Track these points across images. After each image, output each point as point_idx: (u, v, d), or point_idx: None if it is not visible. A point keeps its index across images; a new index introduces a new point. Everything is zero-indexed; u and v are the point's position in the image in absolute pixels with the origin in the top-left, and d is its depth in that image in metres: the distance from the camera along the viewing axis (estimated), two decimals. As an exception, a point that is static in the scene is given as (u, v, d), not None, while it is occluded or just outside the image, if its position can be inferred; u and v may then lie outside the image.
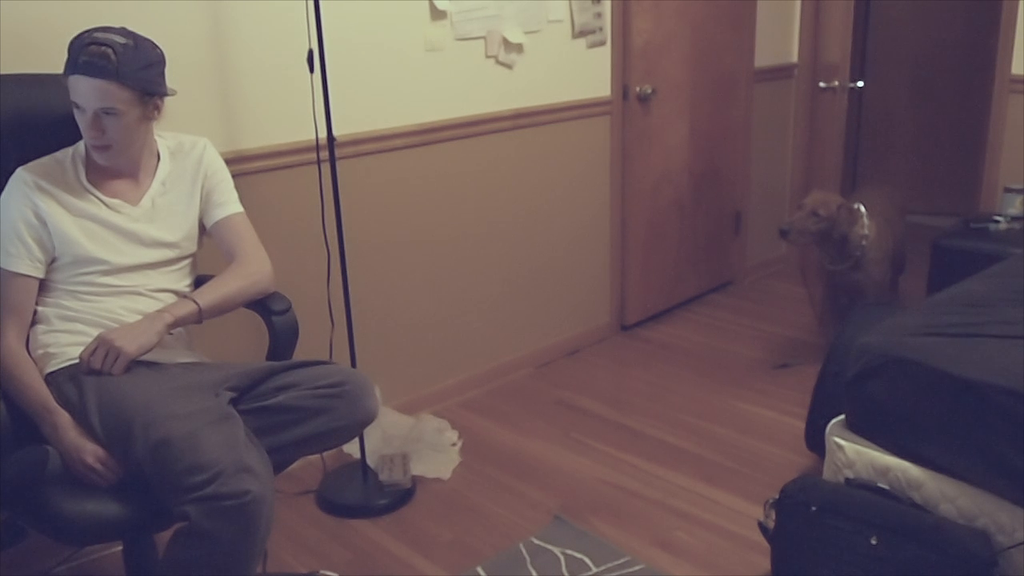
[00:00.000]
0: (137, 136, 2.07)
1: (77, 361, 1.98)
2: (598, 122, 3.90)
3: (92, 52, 1.92)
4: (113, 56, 1.93)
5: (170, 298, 2.13)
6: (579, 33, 3.70)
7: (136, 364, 1.98)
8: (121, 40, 1.96)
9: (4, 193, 2.04)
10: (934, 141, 5.68)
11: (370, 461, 2.98)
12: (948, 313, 2.41)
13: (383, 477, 2.92)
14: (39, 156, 2.09)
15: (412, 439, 3.10)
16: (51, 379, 1.98)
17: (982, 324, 2.31)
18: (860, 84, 4.31)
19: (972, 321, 2.33)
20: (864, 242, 3.55)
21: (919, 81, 5.62)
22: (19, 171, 2.05)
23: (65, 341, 2.03)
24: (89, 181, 2.09)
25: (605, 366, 3.92)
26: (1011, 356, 2.11)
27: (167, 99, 2.10)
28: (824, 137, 4.42)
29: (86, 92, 1.94)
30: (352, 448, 3.00)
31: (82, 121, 2.00)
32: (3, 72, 2.19)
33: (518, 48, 3.48)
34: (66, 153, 2.11)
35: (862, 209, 3.58)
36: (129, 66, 1.95)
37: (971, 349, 2.17)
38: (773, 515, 2.29)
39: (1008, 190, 3.98)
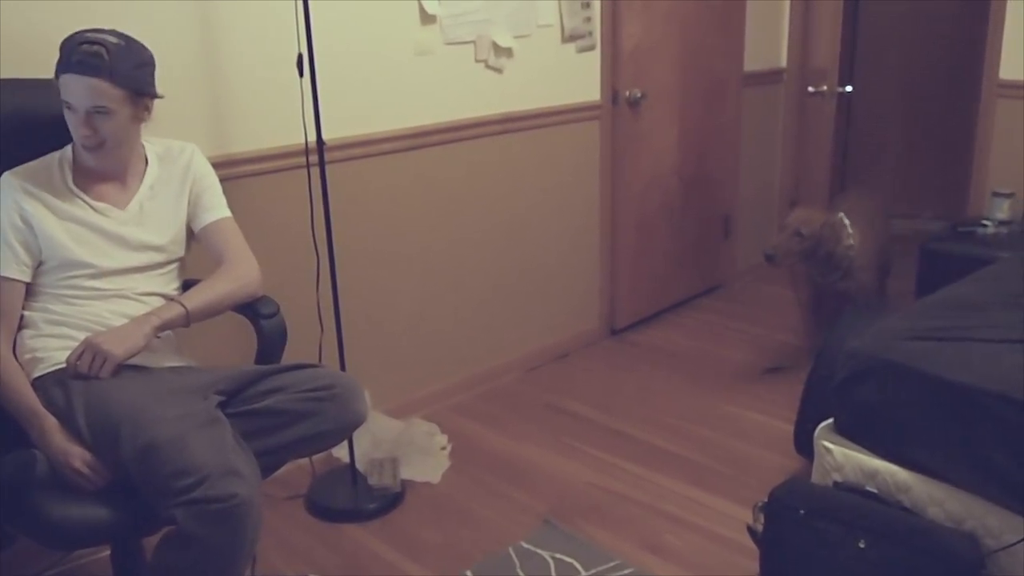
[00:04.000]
0: (127, 136, 2.07)
1: (64, 365, 1.97)
2: (588, 126, 3.90)
3: (84, 51, 1.92)
4: (105, 55, 1.93)
5: (157, 302, 2.12)
6: (569, 37, 3.71)
7: (124, 368, 1.97)
8: (113, 40, 1.97)
9: None
10: (922, 145, 5.70)
11: (359, 465, 2.98)
12: (937, 317, 2.42)
13: (372, 481, 2.92)
14: (32, 160, 2.08)
15: (402, 443, 3.09)
16: (38, 383, 1.97)
17: (971, 328, 2.32)
18: (848, 89, 4.32)
19: (961, 325, 2.34)
20: (851, 252, 3.53)
21: (907, 86, 5.64)
22: (5, 175, 2.04)
23: (52, 346, 2.01)
24: (76, 184, 2.08)
25: (594, 370, 3.92)
26: (1000, 360, 2.12)
27: (156, 103, 2.10)
28: (813, 141, 4.44)
29: (78, 90, 1.94)
30: (341, 452, 2.99)
31: (73, 120, 1.99)
32: (-2, 77, 2.19)
33: (508, 52, 3.48)
34: (53, 157, 2.10)
35: (845, 220, 3.57)
36: (121, 65, 1.96)
37: (960, 353, 2.18)
38: (762, 519, 2.30)
39: (996, 194, 4.00)
